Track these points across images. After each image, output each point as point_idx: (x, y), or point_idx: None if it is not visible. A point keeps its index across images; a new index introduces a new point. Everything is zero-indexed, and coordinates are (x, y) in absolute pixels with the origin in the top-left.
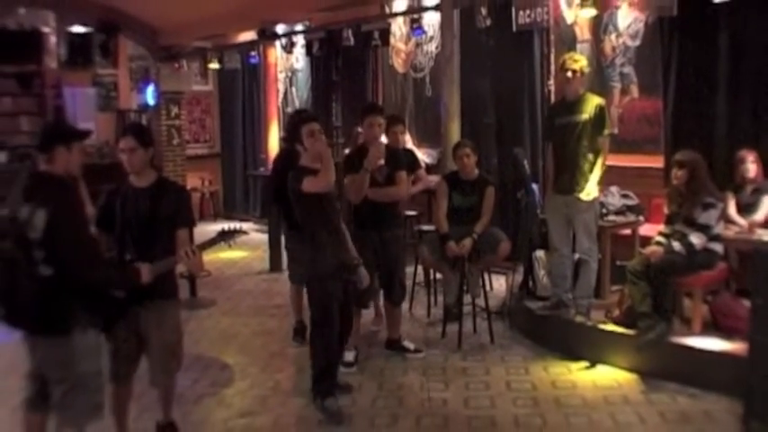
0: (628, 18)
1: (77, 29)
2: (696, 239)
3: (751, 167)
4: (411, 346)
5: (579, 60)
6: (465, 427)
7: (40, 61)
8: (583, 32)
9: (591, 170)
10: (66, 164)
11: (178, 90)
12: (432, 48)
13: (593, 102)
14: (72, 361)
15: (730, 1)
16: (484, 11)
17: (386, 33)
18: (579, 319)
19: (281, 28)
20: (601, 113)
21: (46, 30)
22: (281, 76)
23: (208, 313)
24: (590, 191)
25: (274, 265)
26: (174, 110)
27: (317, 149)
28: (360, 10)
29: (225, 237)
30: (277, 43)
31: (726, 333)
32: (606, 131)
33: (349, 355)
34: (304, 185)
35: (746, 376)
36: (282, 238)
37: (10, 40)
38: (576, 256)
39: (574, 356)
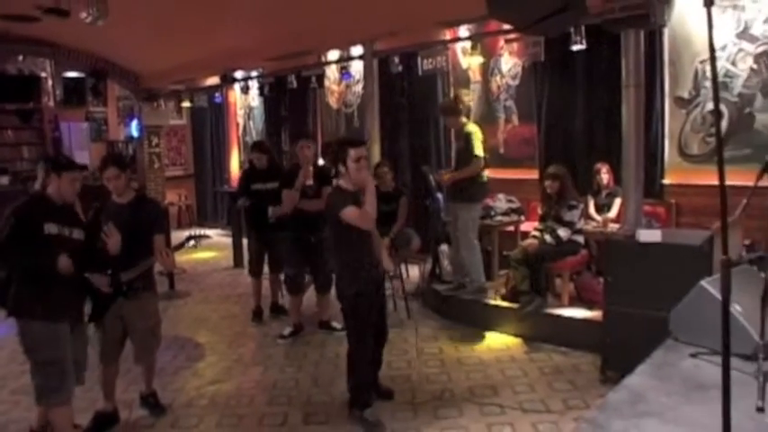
0: (509, 63)
1: (72, 74)
2: (563, 233)
3: (605, 177)
4: (338, 325)
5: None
6: (388, 383)
7: (38, 100)
8: (475, 75)
9: (471, 183)
10: (56, 189)
11: (158, 124)
12: (358, 88)
13: (466, 129)
14: (29, 348)
15: (584, 49)
16: (396, 59)
17: (321, 78)
18: (472, 297)
19: (239, 74)
20: (468, 138)
21: (43, 74)
22: (241, 112)
23: (184, 302)
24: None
25: (237, 262)
26: (155, 140)
27: (362, 178)
28: (301, 59)
29: (192, 240)
30: (236, 86)
31: (588, 304)
32: (475, 153)
33: (286, 330)
34: (344, 214)
35: (603, 336)
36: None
37: (10, 83)
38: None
39: (472, 326)
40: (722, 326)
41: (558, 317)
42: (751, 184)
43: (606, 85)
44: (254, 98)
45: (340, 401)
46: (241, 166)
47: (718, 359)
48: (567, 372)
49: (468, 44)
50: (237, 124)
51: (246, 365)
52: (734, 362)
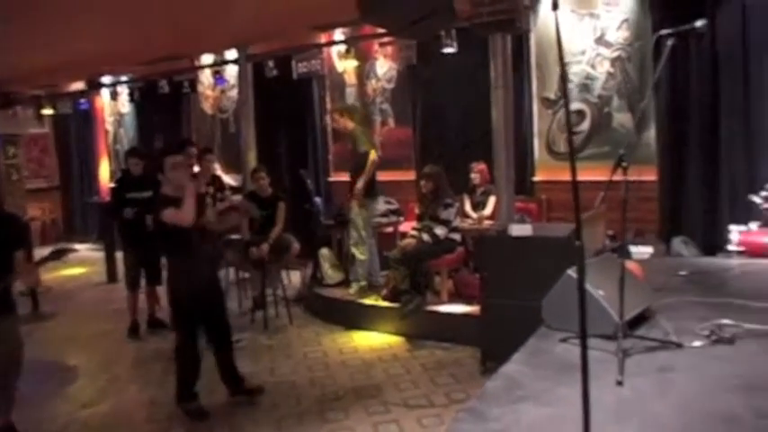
0: (384, 67)
1: None
2: (440, 231)
3: (479, 175)
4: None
5: (337, 110)
6: (270, 391)
7: None
8: (351, 78)
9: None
10: None
11: (15, 133)
12: (234, 93)
13: (352, 132)
14: None
15: (456, 52)
16: (271, 63)
17: (194, 83)
18: (355, 298)
19: (107, 79)
20: (355, 139)
21: None
22: (110, 119)
23: (52, 323)
24: (355, 201)
25: (111, 277)
26: (12, 150)
27: (181, 183)
28: (173, 64)
29: (57, 254)
30: (104, 92)
31: (467, 299)
32: (361, 150)
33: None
34: (164, 216)
35: (481, 329)
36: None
37: None
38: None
39: (355, 328)
40: (579, 304)
41: (439, 313)
42: (617, 178)
43: (478, 87)
44: (125, 104)
45: (223, 412)
46: (112, 176)
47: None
48: (449, 366)
49: (343, 48)
50: (107, 132)
51: (123, 384)
52: (597, 342)
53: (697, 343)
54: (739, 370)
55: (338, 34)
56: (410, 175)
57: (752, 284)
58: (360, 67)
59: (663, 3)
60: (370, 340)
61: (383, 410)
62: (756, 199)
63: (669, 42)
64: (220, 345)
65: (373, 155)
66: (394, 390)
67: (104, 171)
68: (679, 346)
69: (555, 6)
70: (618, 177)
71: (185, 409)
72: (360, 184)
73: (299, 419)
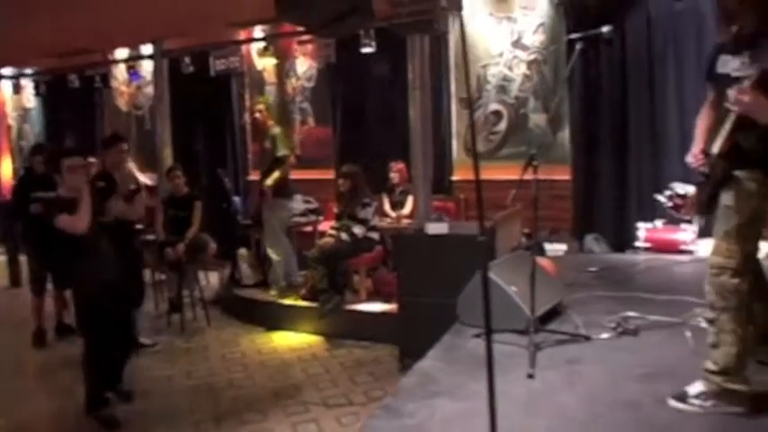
0: (304, 65)
1: None
2: (358, 230)
3: (398, 175)
4: (147, 341)
5: (262, 103)
6: (188, 395)
7: None
8: (270, 77)
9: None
10: None
11: None
12: (150, 90)
13: (271, 131)
14: None
15: (375, 51)
16: (188, 59)
17: (107, 77)
18: (272, 298)
19: (7, 71)
20: (274, 140)
21: None
22: (14, 114)
23: None
24: (269, 202)
25: (14, 282)
26: None
27: (76, 187)
28: (84, 57)
29: None
30: (5, 84)
31: (385, 298)
32: (278, 154)
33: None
34: (58, 222)
35: (399, 327)
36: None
37: None
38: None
39: (274, 328)
40: (483, 298)
41: (357, 312)
42: (528, 177)
43: (397, 87)
44: (30, 99)
45: (138, 418)
46: (15, 174)
47: (499, 337)
48: (368, 364)
49: (262, 45)
50: (9, 127)
51: (27, 395)
52: (510, 337)
53: (604, 335)
54: (642, 359)
55: (257, 31)
56: (329, 174)
57: (656, 279)
58: (279, 65)
59: (576, 9)
60: (290, 340)
61: (302, 410)
62: (661, 198)
63: (578, 46)
64: (121, 348)
65: (290, 158)
66: (313, 389)
67: (6, 169)
68: (588, 338)
69: (459, 8)
70: (531, 176)
71: (96, 418)
72: (269, 182)
73: (216, 422)
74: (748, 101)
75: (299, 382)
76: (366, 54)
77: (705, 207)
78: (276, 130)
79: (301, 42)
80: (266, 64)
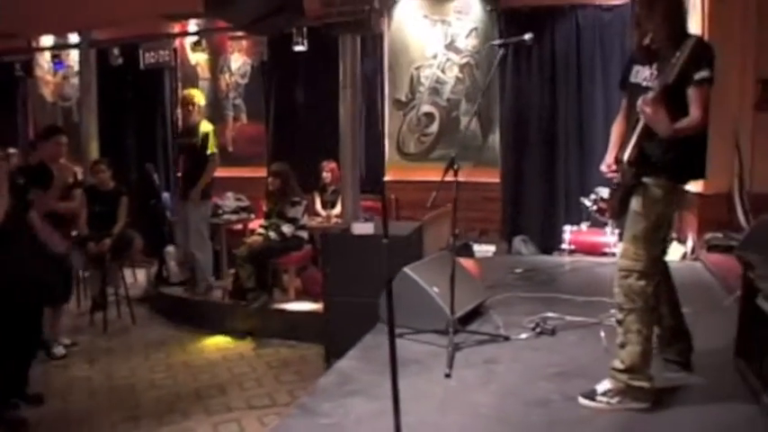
0: (238, 61)
1: None
2: (287, 229)
3: (330, 175)
4: (67, 341)
5: (196, 95)
6: (106, 395)
7: None
8: (204, 72)
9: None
10: None
11: None
12: (76, 80)
13: (203, 128)
14: None
15: (309, 50)
16: (116, 51)
17: (29, 66)
18: (200, 297)
19: None
20: (206, 137)
21: None
22: None
23: None
24: (196, 200)
25: None
26: None
27: None
28: (4, 42)
29: None
30: None
31: (314, 297)
32: (209, 152)
33: None
34: None
35: (325, 326)
36: None
37: None
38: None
39: (201, 327)
40: (386, 300)
41: (285, 311)
42: (460, 179)
43: (329, 86)
44: None
45: (54, 419)
46: None
47: (420, 337)
48: (294, 364)
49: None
50: None
51: None
52: (431, 337)
53: (523, 335)
54: (557, 359)
55: (192, 25)
56: (262, 172)
57: (578, 280)
58: (213, 60)
59: (508, 15)
60: (216, 340)
61: (225, 410)
62: (586, 202)
63: (501, 52)
64: (27, 348)
65: (215, 157)
66: (238, 389)
67: None
68: (507, 338)
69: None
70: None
71: (1, 421)
72: (201, 184)
73: (135, 423)
74: (649, 112)
75: (224, 381)
76: (299, 52)
77: (617, 212)
78: (208, 127)
79: (235, 38)
80: (199, 59)
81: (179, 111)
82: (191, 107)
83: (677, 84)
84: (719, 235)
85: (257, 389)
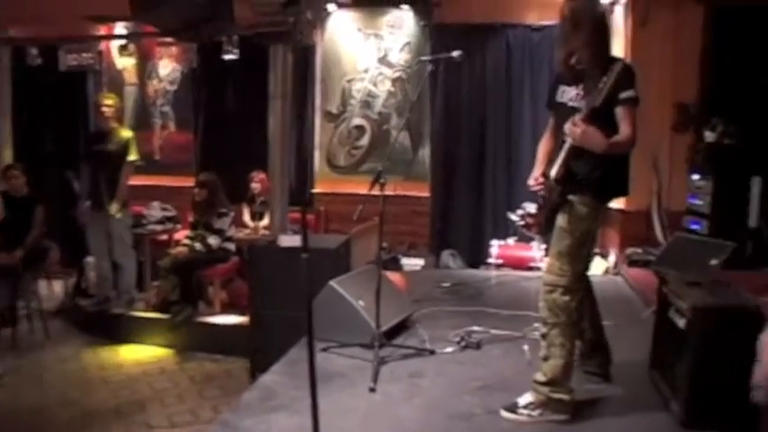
0: (167, 68)
1: None
2: (213, 241)
3: (260, 185)
4: None
5: (111, 99)
6: (14, 417)
7: None
8: (131, 77)
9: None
10: None
11: None
12: None
13: (122, 135)
14: None
15: (241, 59)
16: (35, 51)
17: None
18: (121, 310)
19: None
20: (126, 144)
21: None
22: None
23: None
24: (117, 208)
25: None
26: None
27: None
28: None
29: None
30: None
31: (240, 310)
32: (130, 158)
33: None
34: None
35: (251, 340)
36: None
37: None
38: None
39: (121, 342)
40: (307, 313)
41: (210, 324)
42: (389, 193)
43: (260, 96)
44: None
45: None
46: None
47: (346, 351)
48: (219, 379)
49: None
50: None
51: None
52: (357, 351)
53: (448, 349)
54: (480, 373)
55: (119, 28)
56: (189, 182)
57: (504, 294)
58: (140, 65)
59: (441, 31)
60: (138, 354)
61: (145, 428)
62: (514, 217)
63: (430, 67)
64: None
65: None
66: (159, 406)
67: None
68: (432, 352)
69: (287, 4)
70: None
71: None
72: (121, 192)
73: None
74: (580, 132)
75: (144, 398)
76: (230, 61)
77: (544, 227)
78: (128, 133)
79: (164, 44)
80: (126, 63)
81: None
82: (104, 112)
83: (605, 105)
84: (639, 250)
85: (179, 405)
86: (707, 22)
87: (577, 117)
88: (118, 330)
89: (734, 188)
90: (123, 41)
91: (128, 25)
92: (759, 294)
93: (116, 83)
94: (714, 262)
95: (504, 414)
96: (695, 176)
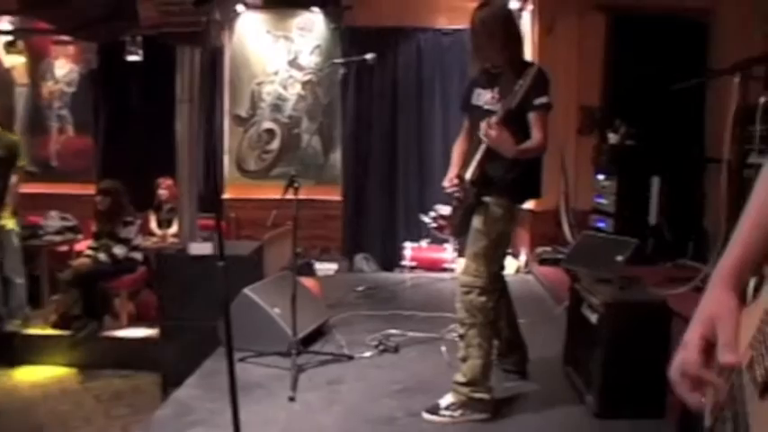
0: (65, 68)
1: None
2: (119, 250)
3: (167, 192)
4: None
5: None
6: None
7: None
8: (21, 77)
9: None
10: None
11: None
12: None
13: (7, 139)
14: None
15: (139, 60)
16: None
17: None
18: (14, 329)
19: None
20: (13, 148)
21: None
22: None
23: None
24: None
25: None
26: None
27: None
28: None
29: None
30: None
31: (148, 322)
32: (19, 164)
33: None
34: None
35: (161, 353)
36: None
37: None
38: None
39: (16, 363)
40: (225, 323)
41: (117, 339)
42: (302, 197)
43: (166, 99)
44: None
45: None
46: None
47: (263, 360)
48: (128, 396)
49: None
50: None
51: None
52: (274, 359)
53: (366, 354)
54: (399, 376)
55: (4, 23)
56: (90, 189)
57: (419, 296)
58: (32, 64)
59: (351, 34)
60: (35, 376)
61: None
62: (426, 219)
63: (342, 70)
64: None
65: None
66: (61, 430)
67: None
68: (350, 358)
69: (198, 3)
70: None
71: None
72: (12, 201)
73: None
74: (494, 135)
75: (44, 423)
76: (134, 62)
77: (458, 229)
78: (15, 136)
79: (60, 42)
80: (15, 62)
81: None
82: None
83: (519, 109)
84: (549, 249)
85: (85, 427)
86: (608, 30)
87: (493, 119)
88: (11, 351)
89: (636, 187)
90: (10, 38)
91: (14, 20)
92: (661, 288)
93: (4, 83)
94: (620, 258)
95: (426, 416)
96: (600, 177)
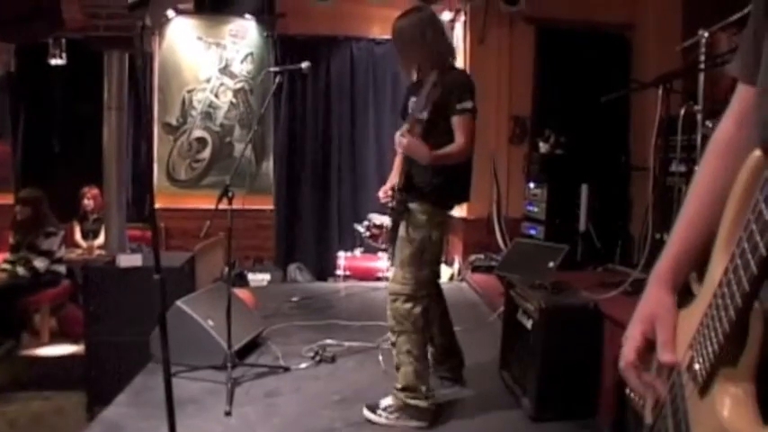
0: None
1: None
2: (40, 263)
3: (92, 202)
4: None
5: None
6: None
7: None
8: None
9: None
10: None
11: None
12: None
13: None
14: None
15: (63, 64)
16: None
17: None
18: None
19: None
20: None
21: None
22: None
23: None
24: None
25: None
26: None
27: None
28: None
29: None
30: None
31: (73, 339)
32: None
33: None
34: None
35: (87, 371)
36: None
37: None
38: None
39: None
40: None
41: (37, 357)
42: (236, 207)
43: (93, 105)
44: None
45: None
46: None
47: (197, 374)
48: (49, 418)
49: None
50: None
51: None
52: (208, 373)
53: (303, 365)
54: (337, 386)
55: None
56: (8, 199)
57: (354, 305)
58: None
59: (284, 42)
60: None
61: None
62: (360, 228)
63: (277, 79)
64: None
65: None
66: None
67: None
68: (287, 369)
69: (133, 6)
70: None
71: None
72: None
73: None
74: (405, 144)
75: None
76: (57, 66)
77: (392, 237)
78: None
79: None
80: None
81: None
82: None
83: (442, 113)
84: (482, 256)
85: None
86: (538, 42)
87: (405, 126)
88: None
89: (565, 195)
90: None
91: None
92: (592, 292)
93: None
94: (551, 264)
95: (366, 412)
96: (531, 185)
